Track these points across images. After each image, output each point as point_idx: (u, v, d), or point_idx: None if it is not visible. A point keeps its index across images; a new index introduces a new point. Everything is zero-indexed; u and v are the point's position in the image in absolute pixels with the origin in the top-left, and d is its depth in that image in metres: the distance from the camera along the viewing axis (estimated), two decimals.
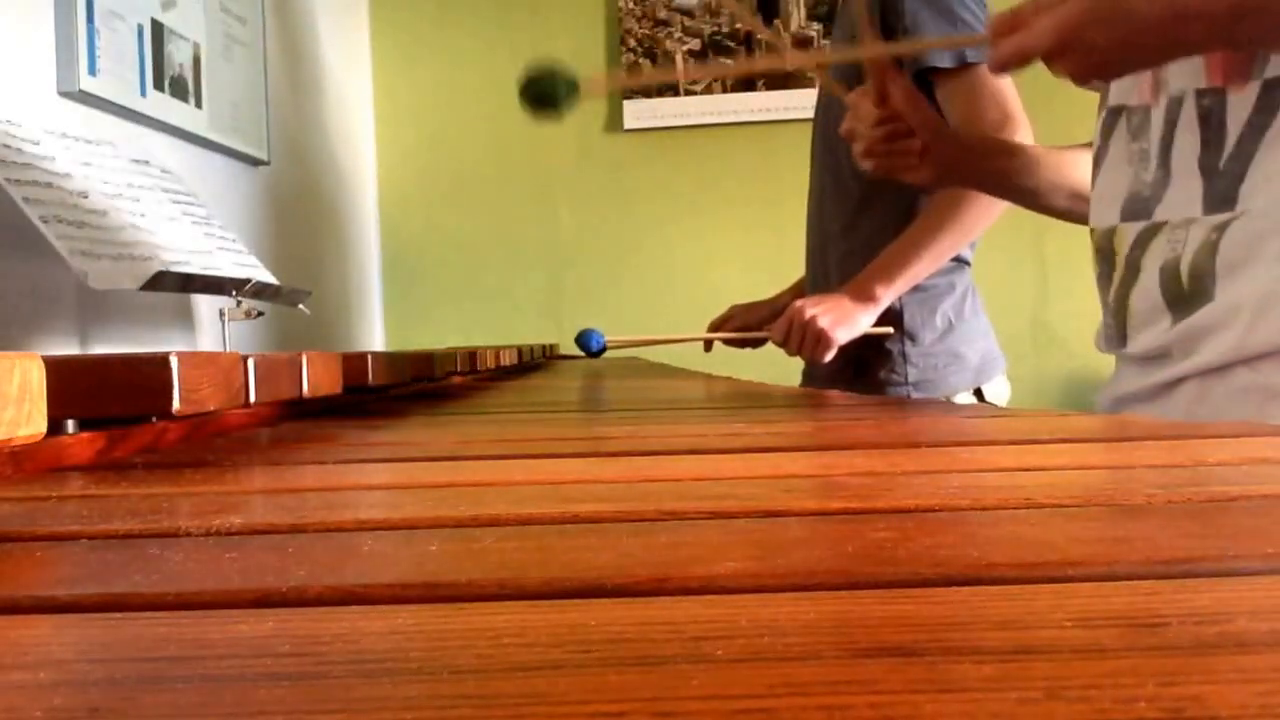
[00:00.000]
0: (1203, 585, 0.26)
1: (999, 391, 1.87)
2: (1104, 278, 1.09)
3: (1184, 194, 0.99)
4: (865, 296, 1.70)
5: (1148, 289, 1.01)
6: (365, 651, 0.21)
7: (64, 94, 1.75)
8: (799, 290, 2.00)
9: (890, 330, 1.75)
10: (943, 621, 0.23)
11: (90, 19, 1.77)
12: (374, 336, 3.40)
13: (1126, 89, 1.08)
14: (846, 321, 1.69)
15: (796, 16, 3.26)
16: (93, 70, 1.78)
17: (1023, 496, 0.39)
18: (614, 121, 3.37)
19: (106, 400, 0.56)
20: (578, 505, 0.38)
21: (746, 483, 0.45)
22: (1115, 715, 0.17)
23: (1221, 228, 0.95)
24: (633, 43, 3.33)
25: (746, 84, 3.28)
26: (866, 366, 1.80)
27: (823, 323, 1.68)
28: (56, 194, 1.42)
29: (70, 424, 0.56)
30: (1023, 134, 1.59)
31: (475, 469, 0.54)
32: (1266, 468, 0.49)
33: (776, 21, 3.27)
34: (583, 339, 1.98)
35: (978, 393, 1.82)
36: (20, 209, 1.34)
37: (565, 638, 0.22)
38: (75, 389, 0.54)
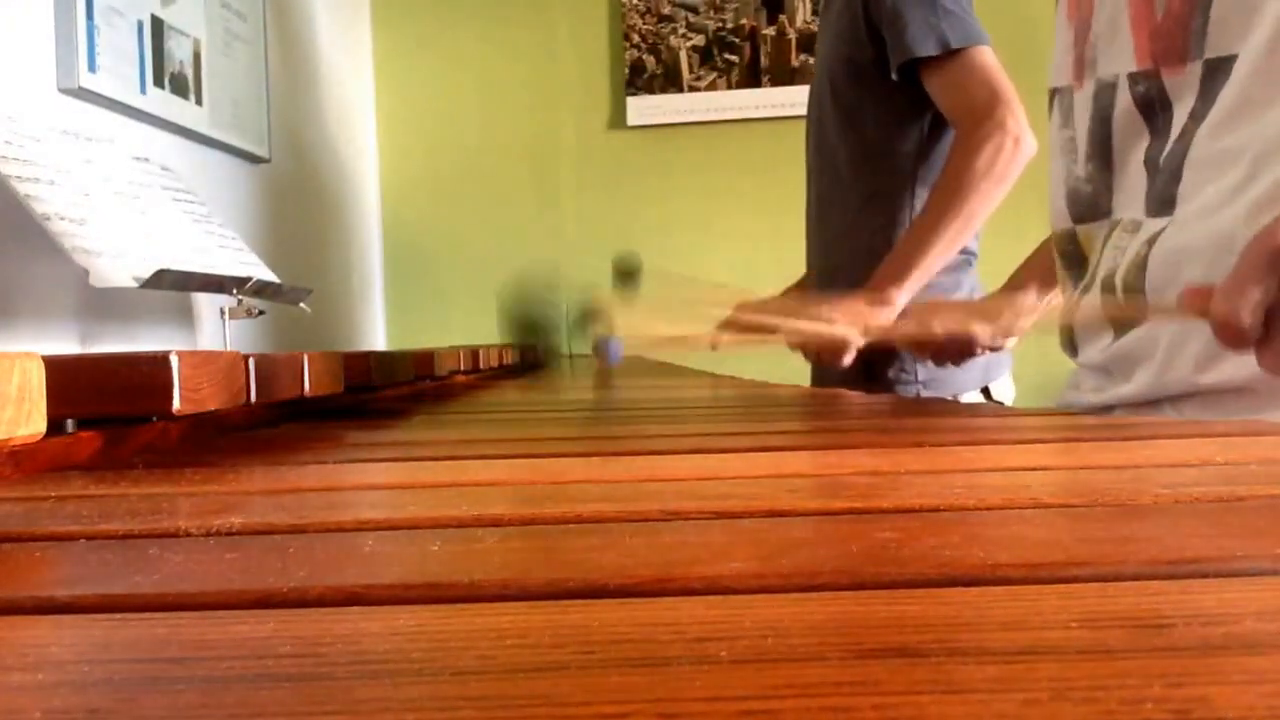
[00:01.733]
0: (1209, 586, 0.26)
1: (1005, 390, 1.87)
2: (1068, 282, 1.05)
3: (1128, 191, 0.94)
4: (881, 299, 1.67)
5: (1094, 300, 0.97)
6: (367, 652, 0.21)
7: (64, 91, 1.75)
8: (805, 286, 2.00)
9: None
10: (948, 622, 0.23)
11: (90, 15, 1.77)
12: (376, 335, 3.40)
13: (1059, 67, 1.03)
14: (861, 324, 1.62)
15: (802, 11, 3.25)
16: (93, 67, 1.78)
17: (1028, 496, 0.39)
18: (617, 118, 3.37)
19: (106, 399, 0.56)
20: (580, 505, 0.38)
21: (750, 482, 0.45)
22: (1121, 716, 0.17)
23: (1152, 240, 0.89)
24: (636, 38, 3.33)
25: (751, 79, 3.28)
26: (876, 366, 1.80)
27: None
28: (57, 191, 1.42)
29: (70, 423, 0.56)
30: (1014, 113, 1.59)
31: (478, 468, 0.54)
32: (1273, 467, 0.49)
33: None
34: (600, 348, 1.97)
35: (985, 391, 1.82)
36: (21, 206, 1.34)
37: (568, 638, 0.22)
38: (75, 388, 0.54)
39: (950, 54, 1.62)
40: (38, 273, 1.61)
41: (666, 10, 3.32)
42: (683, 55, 3.33)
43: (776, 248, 2.98)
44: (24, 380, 0.45)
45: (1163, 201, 0.89)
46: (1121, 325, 0.93)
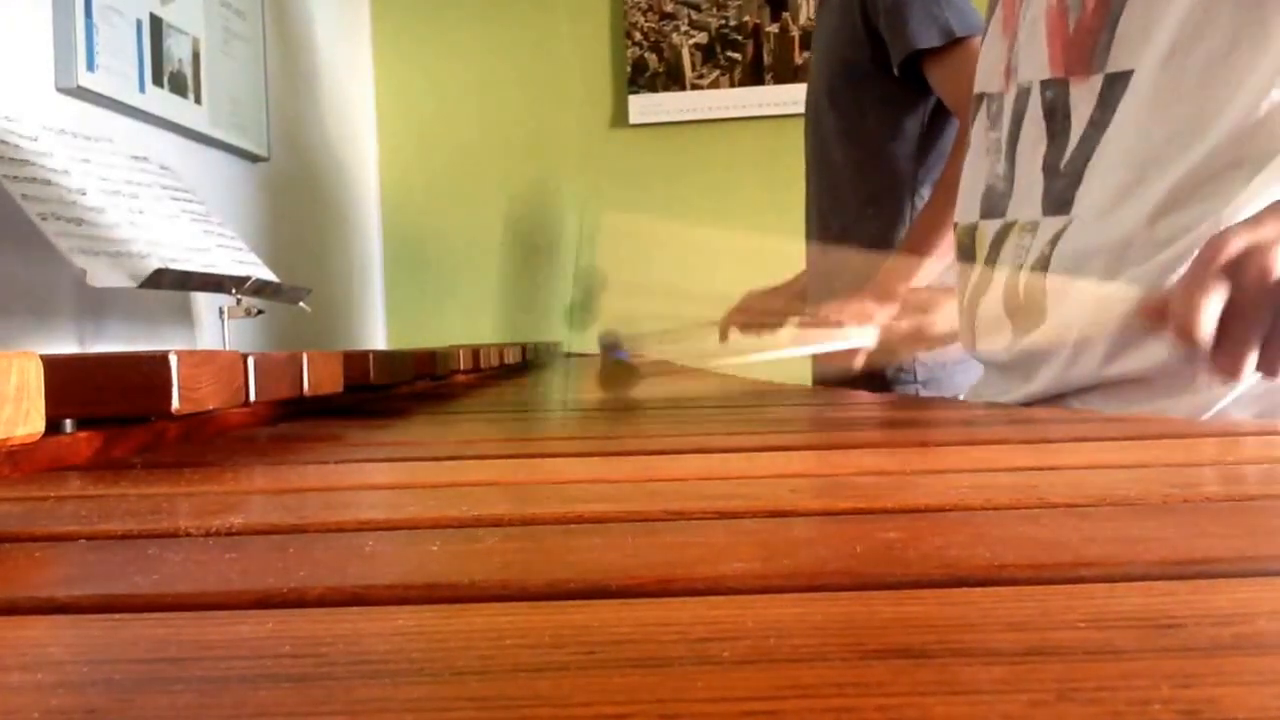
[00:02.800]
0: (1219, 586, 0.26)
1: None
2: (962, 277, 1.08)
3: (1028, 193, 0.98)
4: (887, 297, 1.68)
5: (995, 299, 1.00)
6: (367, 653, 0.21)
7: (62, 90, 1.75)
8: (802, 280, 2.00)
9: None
10: (953, 623, 0.23)
11: (88, 14, 1.77)
12: (376, 334, 3.40)
13: (987, 74, 1.07)
14: (868, 323, 1.67)
15: (806, 9, 3.25)
16: (91, 66, 1.78)
17: (1035, 496, 0.39)
18: (619, 116, 3.37)
19: (105, 399, 0.56)
20: (582, 505, 0.38)
21: (753, 482, 0.45)
22: (1129, 717, 0.17)
23: (1055, 239, 0.93)
24: (638, 36, 3.33)
25: (754, 77, 3.28)
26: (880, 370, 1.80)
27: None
28: (55, 191, 1.42)
29: (68, 423, 0.56)
30: None
31: (478, 468, 0.54)
32: None
33: None
34: (607, 344, 2.02)
35: None
36: (18, 206, 1.34)
37: (569, 639, 0.22)
38: (73, 388, 0.54)
39: (954, 43, 1.62)
40: (36, 273, 1.61)
41: (669, 8, 3.32)
42: (685, 53, 3.33)
43: (780, 246, 2.98)
44: (22, 380, 0.45)
45: (1060, 202, 0.94)
46: (1024, 320, 0.96)
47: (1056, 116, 0.95)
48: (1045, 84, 0.96)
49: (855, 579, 0.27)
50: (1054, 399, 0.95)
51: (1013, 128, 1.00)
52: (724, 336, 2.02)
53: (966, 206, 1.08)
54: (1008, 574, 0.27)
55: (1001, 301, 0.99)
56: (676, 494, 0.43)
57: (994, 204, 1.02)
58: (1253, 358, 0.70)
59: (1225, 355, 0.70)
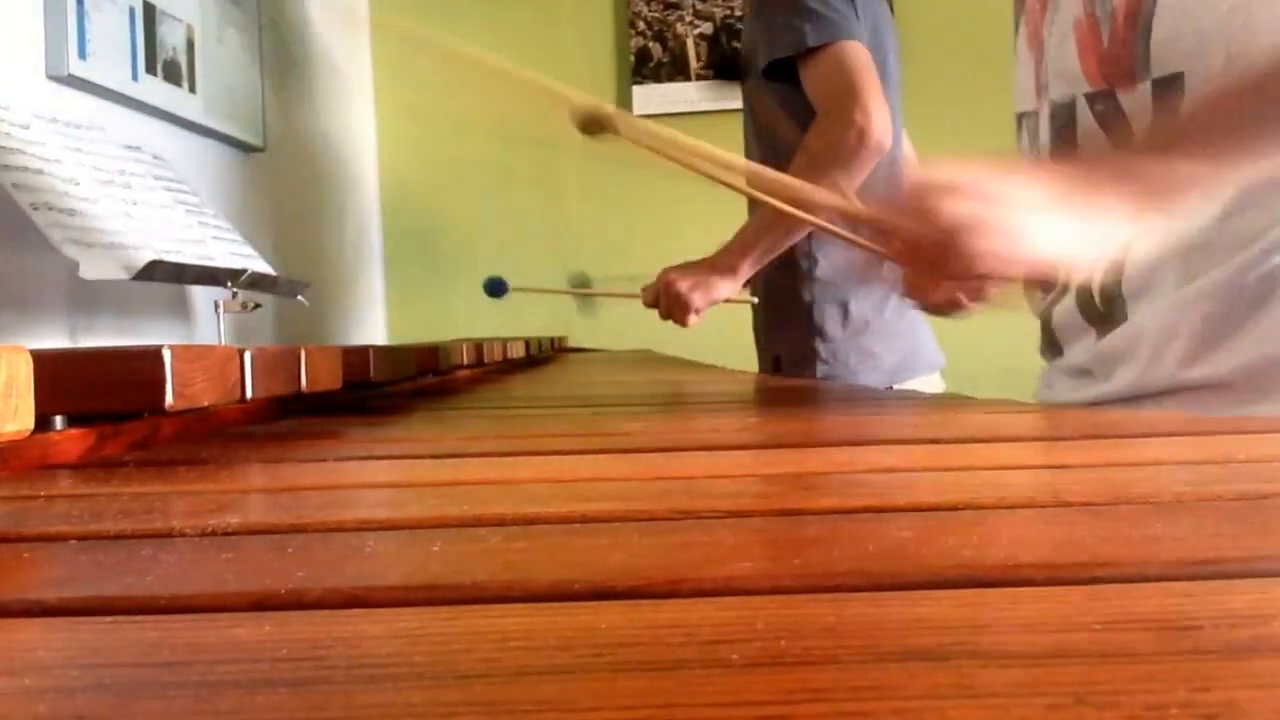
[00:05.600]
0: (1237, 587, 0.26)
1: (933, 389, 1.98)
2: (1030, 295, 1.10)
3: None
4: (724, 268, 1.92)
5: (1069, 306, 1.02)
6: (367, 656, 0.21)
7: (53, 78, 1.75)
8: None
9: (754, 299, 1.99)
10: (968, 624, 0.23)
11: (80, 1, 1.77)
12: (376, 329, 3.40)
13: (1021, 93, 1.08)
14: (704, 288, 1.92)
15: None
16: (83, 54, 1.78)
17: (1051, 494, 0.39)
18: (623, 107, 3.36)
19: (97, 395, 0.56)
20: (587, 504, 0.38)
21: (762, 480, 0.45)
22: None
23: (1127, 247, 0.94)
24: (642, 25, 3.33)
25: None
26: (782, 359, 1.98)
27: (681, 287, 1.92)
28: (46, 181, 1.42)
29: (59, 420, 0.56)
30: (864, 108, 1.71)
31: (481, 466, 0.54)
32: None
33: None
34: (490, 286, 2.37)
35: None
36: (8, 196, 1.34)
37: (575, 641, 0.22)
38: (64, 383, 0.54)
39: (810, 52, 1.76)
40: (26, 264, 1.61)
41: None
42: (690, 43, 3.32)
43: None
44: (11, 375, 0.45)
45: None
46: (1105, 325, 0.97)
47: (1114, 126, 0.95)
48: (1091, 97, 0.96)
49: (868, 579, 0.27)
50: (1129, 401, 0.94)
51: (1055, 142, 1.01)
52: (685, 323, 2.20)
53: None
54: (1023, 574, 0.27)
55: (1077, 309, 1.00)
56: (684, 492, 0.43)
57: None
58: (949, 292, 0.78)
59: (915, 285, 0.78)
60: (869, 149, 1.70)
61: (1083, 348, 1.01)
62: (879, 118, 1.70)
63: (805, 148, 1.76)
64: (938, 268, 0.78)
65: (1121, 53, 0.93)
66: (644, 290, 2.03)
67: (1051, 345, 1.07)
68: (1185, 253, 0.89)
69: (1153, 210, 0.78)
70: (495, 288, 2.39)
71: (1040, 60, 1.03)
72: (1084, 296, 0.99)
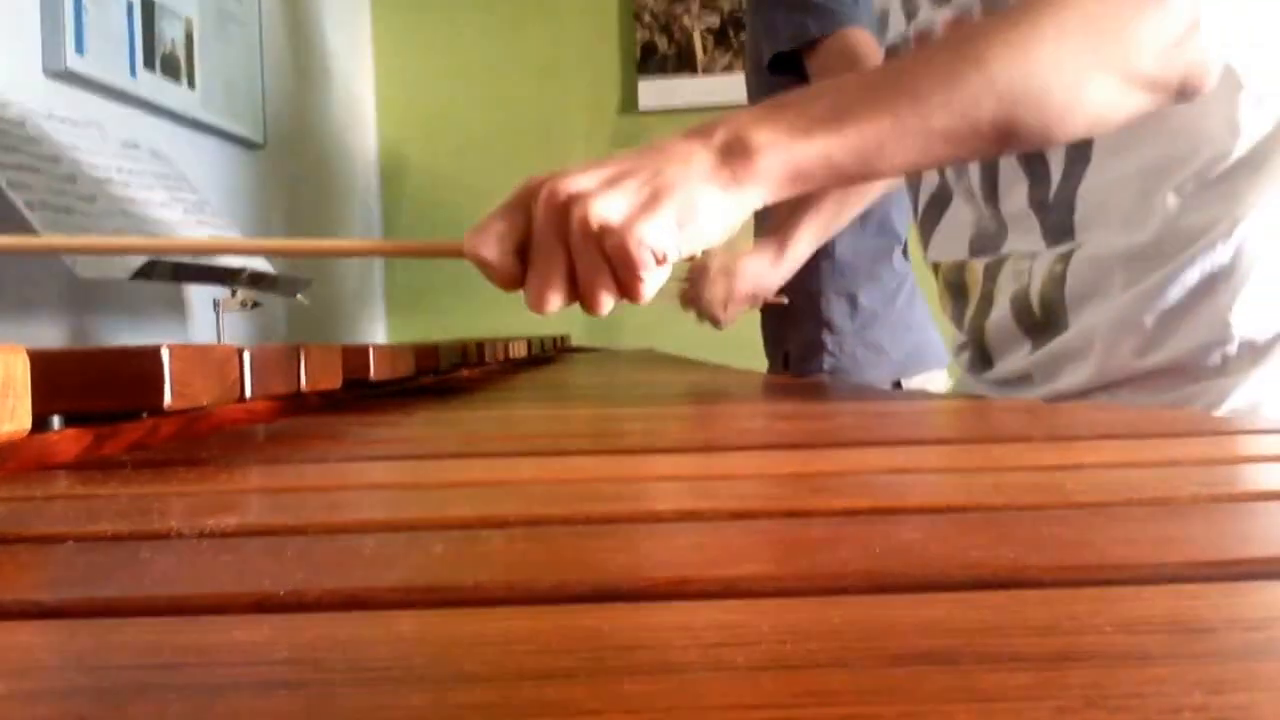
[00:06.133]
0: (1250, 588, 0.26)
1: (937, 387, 1.99)
2: (956, 309, 1.15)
3: (1023, 234, 1.03)
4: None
5: (1002, 318, 1.06)
6: (367, 659, 0.21)
7: (50, 74, 1.75)
8: None
9: (784, 300, 1.91)
10: (977, 627, 0.23)
11: None
12: (376, 328, 3.40)
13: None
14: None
15: None
16: (80, 49, 1.78)
17: (1059, 495, 0.39)
18: (628, 102, 3.37)
19: (94, 395, 0.56)
20: (590, 505, 0.38)
21: (767, 481, 0.45)
22: None
23: (1065, 258, 0.99)
24: (648, 18, 3.33)
25: None
26: (791, 354, 2.00)
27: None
28: (43, 178, 1.43)
29: (56, 420, 0.56)
30: None
31: (483, 467, 0.54)
32: None
33: None
34: None
35: (897, 385, 1.96)
36: (4, 193, 1.34)
37: (578, 644, 0.22)
38: (62, 383, 0.54)
39: (813, 43, 1.77)
40: (23, 263, 1.61)
41: None
42: (696, 36, 3.33)
43: None
44: (8, 375, 0.45)
45: (1060, 232, 1.00)
46: (1042, 333, 1.02)
47: (1031, 159, 1.01)
48: None
49: (874, 581, 0.27)
50: (1079, 395, 0.99)
51: (985, 173, 1.06)
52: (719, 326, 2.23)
53: (949, 247, 1.14)
54: (1032, 576, 0.27)
55: (1012, 319, 1.05)
56: (689, 493, 0.43)
57: (986, 243, 1.08)
58: (556, 291, 0.74)
59: (531, 289, 0.74)
60: None
61: (1018, 357, 1.06)
62: None
63: None
64: (550, 260, 0.74)
65: None
66: (683, 294, 2.03)
67: (981, 358, 1.12)
68: (1129, 259, 0.95)
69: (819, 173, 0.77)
70: None
71: None
72: (1020, 306, 1.03)
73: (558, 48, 3.39)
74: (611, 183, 0.73)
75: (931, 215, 1.17)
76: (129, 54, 1.94)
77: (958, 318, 1.15)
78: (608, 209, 0.71)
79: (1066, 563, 0.29)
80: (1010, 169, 1.03)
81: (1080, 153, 0.97)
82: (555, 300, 0.74)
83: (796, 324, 1.98)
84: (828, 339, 1.94)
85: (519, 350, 1.92)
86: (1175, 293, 0.92)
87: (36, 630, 0.25)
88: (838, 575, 0.28)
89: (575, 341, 3.02)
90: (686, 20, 3.32)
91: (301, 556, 0.31)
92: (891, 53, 1.16)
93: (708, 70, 3.31)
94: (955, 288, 1.14)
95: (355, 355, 0.90)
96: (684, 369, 1.91)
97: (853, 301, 1.94)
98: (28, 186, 1.38)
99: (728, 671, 0.20)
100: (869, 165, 0.77)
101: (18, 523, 0.38)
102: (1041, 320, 1.02)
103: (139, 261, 1.44)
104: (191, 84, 2.17)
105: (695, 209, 0.73)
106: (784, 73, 1.85)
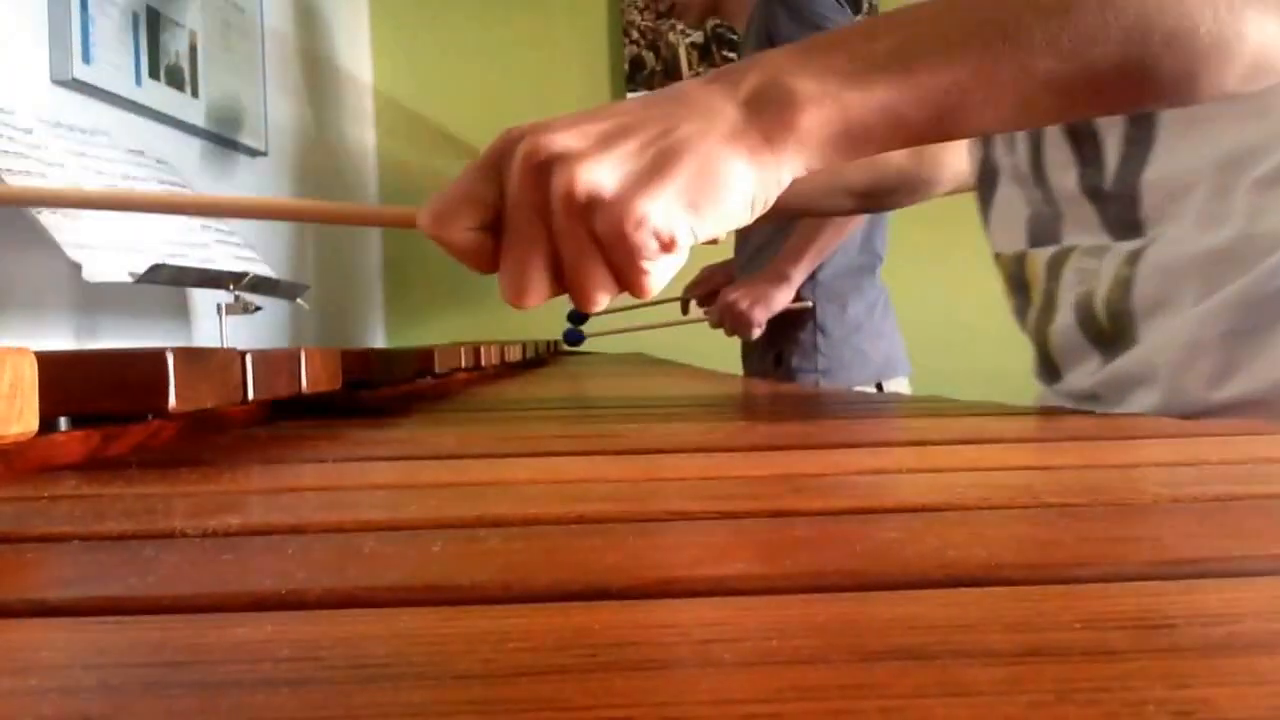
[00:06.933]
0: (1210, 586, 0.26)
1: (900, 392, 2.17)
2: (1020, 309, 0.99)
3: (1078, 220, 0.88)
4: (779, 277, 2.05)
5: (1067, 324, 0.90)
6: (366, 656, 0.21)
7: (58, 82, 1.75)
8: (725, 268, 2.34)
9: (809, 304, 2.09)
10: (952, 623, 0.23)
11: (84, 6, 1.76)
12: (375, 332, 3.40)
13: None
14: (764, 301, 2.05)
15: None
16: (87, 58, 1.78)
17: (1031, 496, 0.39)
18: None
19: (100, 397, 0.56)
20: (583, 505, 0.38)
21: (754, 482, 0.45)
22: (1125, 718, 0.17)
23: (1134, 260, 0.83)
24: (635, 34, 3.33)
25: None
26: (785, 355, 2.13)
27: (743, 306, 2.06)
28: (50, 185, 1.42)
29: (63, 422, 0.56)
30: None
31: (479, 468, 0.54)
32: (1271, 467, 0.49)
33: None
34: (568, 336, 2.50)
35: (879, 387, 2.14)
36: None
37: (570, 641, 0.22)
38: (68, 386, 0.54)
39: None
40: (30, 267, 1.61)
41: (665, 6, 3.32)
42: (682, 51, 3.33)
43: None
44: (16, 377, 0.45)
45: (1125, 225, 0.85)
46: (1112, 345, 0.86)
47: (1081, 138, 0.86)
48: None
49: (855, 579, 0.27)
50: None
51: (1032, 152, 0.91)
52: (685, 309, 2.41)
53: (1006, 236, 0.98)
54: (1005, 574, 0.27)
55: (1078, 328, 0.89)
56: (678, 494, 0.43)
57: (1043, 230, 0.93)
58: (536, 281, 0.57)
59: (505, 274, 0.58)
60: None
61: (1086, 372, 0.90)
62: None
63: None
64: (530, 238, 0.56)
65: None
66: (708, 314, 2.22)
67: (1048, 368, 0.96)
68: (1204, 264, 0.79)
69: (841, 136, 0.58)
70: (572, 337, 2.50)
71: None
72: (1085, 314, 0.87)
73: (551, 62, 3.38)
74: (607, 141, 0.55)
75: (983, 195, 1.01)
76: (134, 64, 1.93)
77: (1021, 319, 0.99)
78: (598, 176, 0.53)
79: (1037, 561, 0.29)
80: (1056, 146, 0.87)
81: (1142, 133, 0.81)
82: (535, 290, 0.57)
83: (787, 327, 2.10)
84: (822, 344, 2.09)
85: (514, 354, 1.92)
86: (1252, 310, 0.77)
87: (43, 628, 0.25)
88: (820, 574, 0.28)
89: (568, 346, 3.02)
90: (672, 36, 3.32)
91: (302, 556, 0.31)
92: None
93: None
94: (1017, 283, 0.97)
95: (355, 358, 0.90)
96: (670, 373, 1.91)
97: (843, 309, 2.10)
98: None
99: (715, 667, 0.20)
100: (948, 123, 0.60)
101: (25, 522, 0.38)
102: (1110, 331, 0.86)
103: (144, 266, 1.43)
104: (195, 93, 2.17)
105: (714, 180, 0.55)
106: None
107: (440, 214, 0.58)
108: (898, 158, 1.07)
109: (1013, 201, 0.96)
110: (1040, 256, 0.92)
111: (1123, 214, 0.84)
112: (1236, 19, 0.59)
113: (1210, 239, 0.79)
